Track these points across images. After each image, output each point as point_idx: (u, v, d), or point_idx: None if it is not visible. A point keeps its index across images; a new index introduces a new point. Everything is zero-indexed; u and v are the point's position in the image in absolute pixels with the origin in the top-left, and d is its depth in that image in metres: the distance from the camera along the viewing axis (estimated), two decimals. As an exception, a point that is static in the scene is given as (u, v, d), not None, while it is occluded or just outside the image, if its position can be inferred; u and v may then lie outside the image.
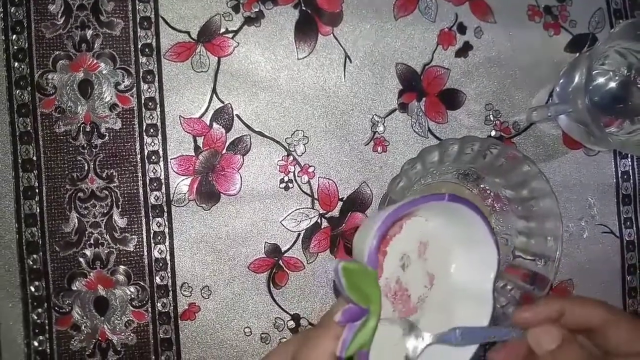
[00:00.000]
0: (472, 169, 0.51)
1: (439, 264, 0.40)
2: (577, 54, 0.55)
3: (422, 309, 0.39)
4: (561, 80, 0.53)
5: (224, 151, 0.51)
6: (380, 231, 0.34)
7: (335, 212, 0.52)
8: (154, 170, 0.50)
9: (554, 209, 0.46)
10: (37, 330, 0.49)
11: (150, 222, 0.50)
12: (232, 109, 0.51)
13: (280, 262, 0.52)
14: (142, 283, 0.50)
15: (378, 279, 0.35)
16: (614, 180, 0.57)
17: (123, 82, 0.50)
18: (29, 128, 0.49)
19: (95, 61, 0.50)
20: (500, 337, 0.38)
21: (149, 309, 0.50)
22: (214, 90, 0.51)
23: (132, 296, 0.50)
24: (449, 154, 0.46)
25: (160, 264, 0.50)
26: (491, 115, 0.55)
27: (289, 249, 0.52)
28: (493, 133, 0.55)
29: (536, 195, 0.47)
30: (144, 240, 0.50)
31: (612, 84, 0.53)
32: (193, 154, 0.51)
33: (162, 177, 0.50)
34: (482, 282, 0.40)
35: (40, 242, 0.49)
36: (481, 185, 0.52)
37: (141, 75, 0.51)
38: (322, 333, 0.33)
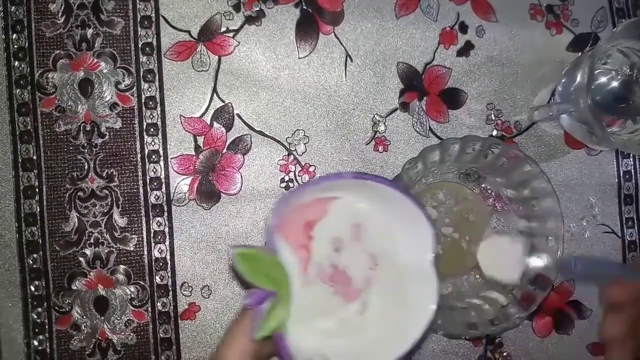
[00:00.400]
0: (474, 169, 0.51)
1: (380, 245, 0.40)
2: (579, 53, 0.55)
3: (369, 290, 0.39)
4: (563, 80, 0.53)
5: (225, 150, 0.51)
6: (276, 217, 0.35)
7: (336, 212, 0.52)
8: (154, 170, 0.50)
9: (555, 208, 0.46)
10: (37, 330, 0.49)
11: (151, 222, 0.50)
12: (232, 108, 0.51)
13: (281, 261, 0.51)
14: (142, 283, 0.50)
15: (286, 263, 0.36)
16: (616, 180, 0.56)
17: (123, 81, 0.50)
18: (29, 127, 0.49)
19: (95, 60, 0.50)
20: (615, 273, 0.40)
21: (149, 309, 0.50)
22: (214, 90, 0.51)
23: (132, 296, 0.50)
24: (450, 154, 0.46)
25: (161, 264, 0.50)
26: (493, 115, 0.54)
27: (289, 249, 0.51)
28: (494, 132, 0.54)
29: (537, 195, 0.47)
30: (144, 239, 0.50)
31: (615, 83, 0.52)
32: (193, 153, 0.50)
33: (163, 176, 0.50)
34: (423, 260, 0.39)
35: (40, 242, 0.49)
36: (482, 185, 0.52)
37: (141, 74, 0.50)
38: (241, 319, 0.34)
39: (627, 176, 0.56)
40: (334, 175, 0.37)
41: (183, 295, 0.50)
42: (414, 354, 0.39)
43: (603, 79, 0.52)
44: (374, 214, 0.39)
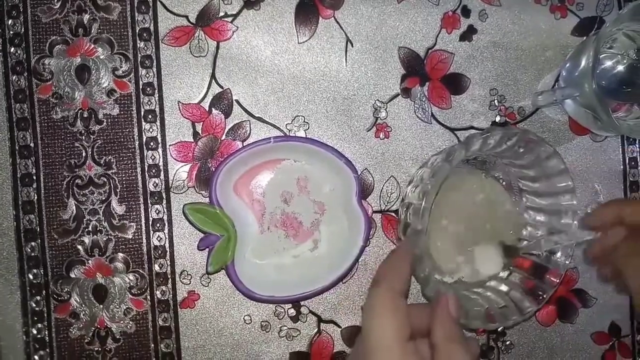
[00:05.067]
0: (489, 155, 0.49)
1: (322, 194, 0.50)
2: (584, 38, 0.54)
3: (320, 230, 0.50)
4: (567, 64, 0.52)
5: (223, 137, 0.50)
6: (214, 180, 0.47)
7: (337, 199, 0.52)
8: (153, 157, 0.50)
9: (568, 182, 0.46)
10: (35, 318, 0.49)
11: (149, 209, 0.50)
12: (231, 94, 0.50)
13: (281, 249, 0.51)
14: (140, 271, 0.49)
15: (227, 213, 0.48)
16: (621, 167, 0.55)
17: (121, 67, 0.50)
18: (26, 114, 0.49)
19: (92, 46, 0.49)
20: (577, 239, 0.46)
21: (148, 297, 0.50)
22: (213, 75, 0.50)
23: (131, 284, 0.49)
24: (488, 144, 0.45)
25: (159, 252, 0.50)
26: (496, 101, 0.53)
27: (289, 237, 0.51)
28: (498, 118, 0.53)
29: (555, 192, 0.46)
30: (143, 227, 0.50)
31: (620, 68, 0.51)
32: (192, 140, 0.50)
33: (161, 163, 0.50)
34: (352, 201, 0.49)
35: (38, 230, 0.49)
36: (495, 174, 0.51)
37: (139, 60, 0.50)
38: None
39: (633, 163, 0.56)
40: (261, 140, 0.48)
41: (182, 283, 0.50)
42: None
43: (608, 63, 0.51)
44: (313, 169, 0.50)
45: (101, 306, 0.49)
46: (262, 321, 0.51)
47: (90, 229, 0.49)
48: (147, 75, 0.50)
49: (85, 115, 0.49)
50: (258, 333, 0.51)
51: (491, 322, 0.45)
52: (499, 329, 0.53)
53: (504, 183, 0.51)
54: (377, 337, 0.33)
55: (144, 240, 0.50)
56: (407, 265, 0.37)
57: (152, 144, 0.50)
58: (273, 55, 0.51)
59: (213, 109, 0.50)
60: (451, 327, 0.35)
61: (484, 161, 0.50)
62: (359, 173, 0.50)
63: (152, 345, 0.50)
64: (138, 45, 0.50)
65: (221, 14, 0.50)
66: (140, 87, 0.50)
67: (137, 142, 0.50)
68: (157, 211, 0.50)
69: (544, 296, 0.46)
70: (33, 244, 0.49)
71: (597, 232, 0.46)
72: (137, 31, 0.50)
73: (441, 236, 0.49)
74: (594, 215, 0.46)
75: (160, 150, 0.50)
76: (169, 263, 0.50)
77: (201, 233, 0.49)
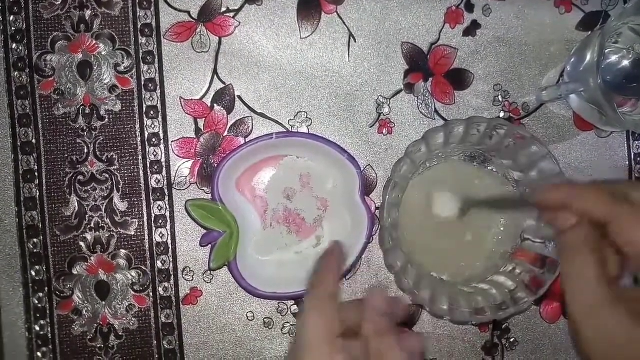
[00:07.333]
0: (479, 151, 0.49)
1: (324, 190, 0.50)
2: (589, 33, 0.54)
3: (323, 226, 0.50)
4: (572, 59, 0.51)
5: (226, 133, 0.50)
6: (216, 176, 0.47)
7: (340, 196, 0.51)
8: (155, 153, 0.50)
9: None
10: (38, 315, 0.49)
11: (151, 206, 0.50)
12: (233, 90, 0.50)
13: (284, 246, 0.51)
14: (143, 267, 0.49)
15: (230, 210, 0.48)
16: (627, 163, 0.55)
17: (123, 63, 0.49)
18: (27, 110, 0.49)
19: (94, 42, 0.49)
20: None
21: (150, 294, 0.49)
22: (215, 71, 0.50)
23: (134, 280, 0.49)
24: (454, 135, 0.45)
25: (162, 248, 0.50)
26: (500, 96, 0.53)
27: (292, 233, 0.51)
28: (502, 114, 0.53)
29: (545, 177, 0.45)
30: (145, 224, 0.49)
31: (626, 62, 0.51)
32: (194, 136, 0.50)
33: (163, 160, 0.50)
34: (355, 197, 0.48)
35: (40, 226, 0.49)
36: (488, 168, 0.51)
37: (141, 56, 0.50)
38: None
39: (638, 159, 0.55)
40: (264, 136, 0.48)
41: (185, 280, 0.50)
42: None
43: (613, 58, 0.51)
44: (315, 165, 0.50)
45: (103, 303, 0.49)
46: (265, 318, 0.50)
47: (92, 225, 0.49)
48: (149, 71, 0.50)
49: (87, 112, 0.49)
50: (261, 330, 0.50)
51: (480, 316, 0.45)
52: (503, 326, 0.53)
53: (499, 175, 0.51)
54: (306, 334, 0.34)
55: (146, 237, 0.49)
56: (335, 267, 0.38)
57: (154, 140, 0.50)
58: (275, 50, 0.51)
59: (215, 105, 0.50)
60: (380, 321, 0.35)
61: (473, 155, 0.50)
62: (362, 169, 0.49)
63: (155, 342, 0.50)
64: (140, 41, 0.50)
65: (223, 9, 0.50)
66: (142, 83, 0.50)
67: (139, 139, 0.50)
68: (159, 208, 0.50)
69: (542, 287, 0.46)
70: (35, 240, 0.49)
71: (542, 212, 0.39)
72: (139, 27, 0.50)
73: (419, 229, 0.50)
74: (539, 193, 0.38)
75: (162, 146, 0.50)
76: (171, 260, 0.50)
77: (203, 229, 0.49)
